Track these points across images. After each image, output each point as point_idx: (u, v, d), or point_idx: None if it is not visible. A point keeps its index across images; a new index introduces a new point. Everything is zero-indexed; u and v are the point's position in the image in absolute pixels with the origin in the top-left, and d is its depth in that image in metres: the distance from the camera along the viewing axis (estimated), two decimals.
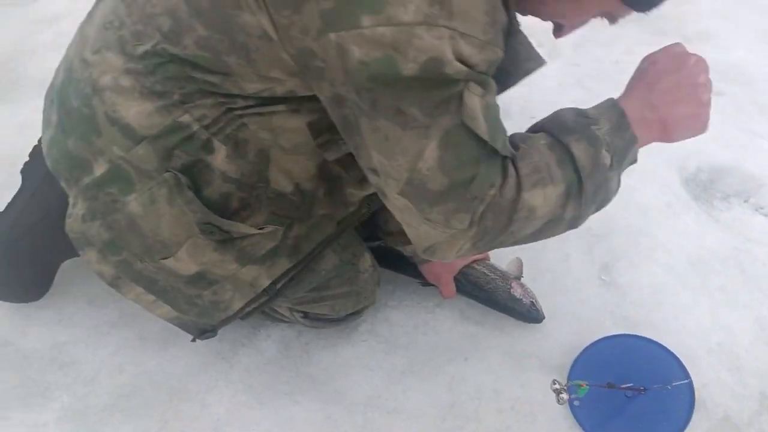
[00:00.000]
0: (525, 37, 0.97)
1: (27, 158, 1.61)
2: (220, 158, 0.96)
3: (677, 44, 0.98)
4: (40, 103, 1.77)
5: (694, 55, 0.96)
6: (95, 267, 1.06)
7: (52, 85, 1.10)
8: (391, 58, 0.78)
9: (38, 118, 1.73)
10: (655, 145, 1.69)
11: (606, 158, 0.91)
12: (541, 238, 0.96)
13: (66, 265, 1.34)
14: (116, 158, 0.96)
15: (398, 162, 0.84)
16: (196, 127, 0.93)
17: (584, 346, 1.26)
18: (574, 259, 1.46)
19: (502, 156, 0.86)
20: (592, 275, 1.43)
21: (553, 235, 0.96)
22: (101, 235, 1.02)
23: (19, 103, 1.80)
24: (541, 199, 0.88)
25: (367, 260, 1.19)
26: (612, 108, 0.94)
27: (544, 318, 1.31)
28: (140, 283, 1.06)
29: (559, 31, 0.99)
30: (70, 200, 1.06)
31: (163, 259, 1.01)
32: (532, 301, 1.30)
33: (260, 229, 1.01)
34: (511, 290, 1.30)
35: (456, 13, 0.78)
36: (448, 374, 1.23)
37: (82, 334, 1.29)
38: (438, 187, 0.84)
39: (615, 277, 1.43)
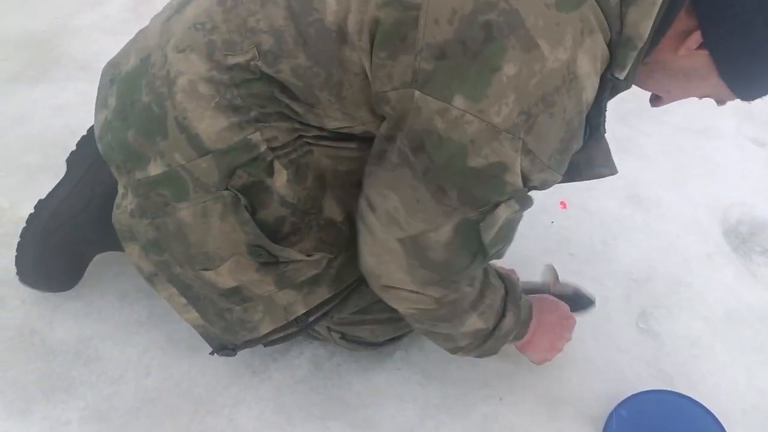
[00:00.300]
0: (606, 145, 1.00)
1: (63, 140, 1.59)
2: (280, 182, 0.94)
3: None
4: (80, 86, 1.77)
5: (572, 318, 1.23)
6: (135, 261, 1.05)
7: (115, 64, 1.05)
8: (465, 147, 0.80)
9: (78, 100, 1.72)
10: (700, 192, 1.70)
11: (510, 336, 1.11)
12: (427, 335, 1.12)
13: (98, 257, 1.31)
14: (176, 164, 0.93)
15: (416, 223, 0.88)
16: (263, 147, 0.91)
17: (619, 395, 1.23)
18: (612, 304, 1.43)
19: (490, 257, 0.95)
20: (630, 321, 1.41)
21: (432, 340, 1.12)
22: (147, 233, 1.00)
23: (59, 83, 1.77)
24: (471, 322, 1.04)
25: None
26: (529, 313, 1.14)
27: (594, 301, 1.31)
28: (175, 285, 1.04)
29: (657, 100, 0.99)
30: (120, 189, 1.03)
31: (204, 270, 0.99)
32: (575, 288, 1.30)
33: (308, 255, 0.99)
34: (551, 291, 1.29)
35: (535, 131, 0.80)
36: (481, 413, 1.20)
37: (109, 330, 1.26)
38: (436, 258, 0.91)
39: (652, 325, 1.40)
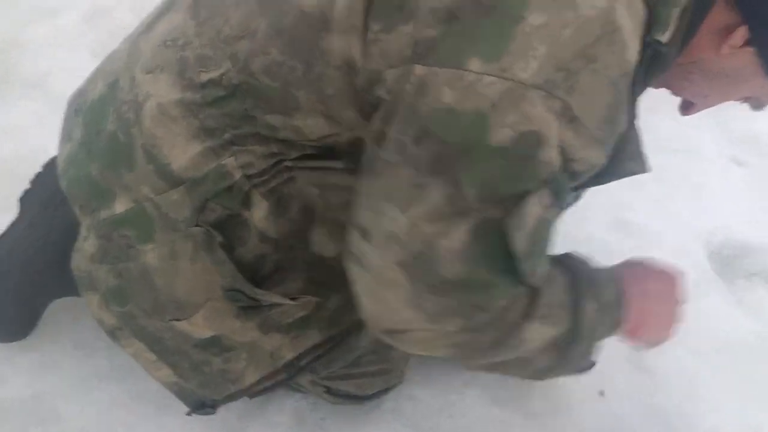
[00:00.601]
0: (637, 134, 0.84)
1: (12, 168, 1.47)
2: (259, 215, 0.84)
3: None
4: (31, 106, 1.63)
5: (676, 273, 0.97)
6: (95, 312, 0.94)
7: (81, 92, 0.96)
8: (483, 118, 0.66)
9: (29, 122, 1.58)
10: (684, 215, 1.66)
11: (601, 332, 0.87)
12: (495, 371, 0.90)
13: (54, 303, 1.19)
14: (143, 198, 0.84)
15: (422, 228, 0.71)
16: (238, 175, 0.81)
17: None
18: None
19: (525, 279, 0.75)
20: (621, 356, 1.34)
21: (505, 374, 0.92)
22: (108, 280, 0.90)
23: (6, 103, 1.62)
24: (537, 334, 0.80)
25: None
26: (614, 289, 0.88)
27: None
28: (142, 339, 0.93)
29: (688, 108, 0.90)
30: (82, 231, 0.93)
31: (175, 320, 0.89)
32: None
33: (293, 299, 0.89)
34: None
35: (578, 92, 0.67)
36: None
37: (67, 385, 1.14)
38: (450, 275, 0.72)
39: (646, 360, 1.35)
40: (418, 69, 0.68)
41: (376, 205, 0.74)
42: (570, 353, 0.85)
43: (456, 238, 0.71)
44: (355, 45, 0.72)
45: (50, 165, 1.15)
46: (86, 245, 0.92)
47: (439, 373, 1.22)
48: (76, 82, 1.69)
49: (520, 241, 0.71)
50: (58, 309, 1.20)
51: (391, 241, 0.72)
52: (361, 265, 0.77)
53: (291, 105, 0.77)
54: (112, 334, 0.96)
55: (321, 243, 0.89)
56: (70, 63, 1.72)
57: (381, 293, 0.76)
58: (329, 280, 0.90)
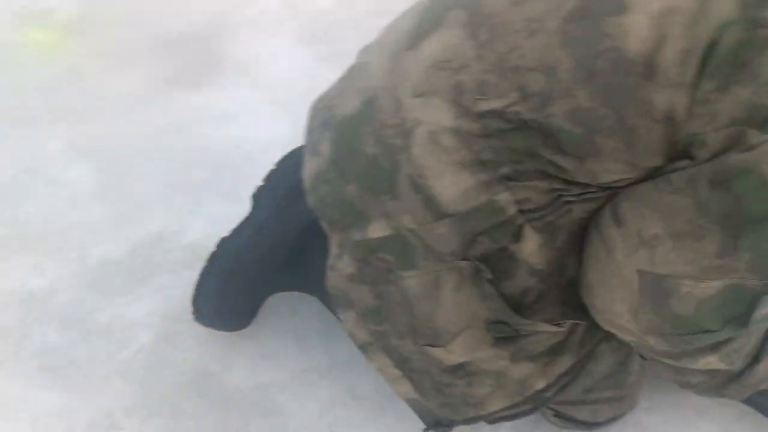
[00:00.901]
0: None
1: (228, 155, 1.52)
2: (530, 248, 0.79)
3: None
4: (242, 93, 1.67)
5: None
6: (349, 328, 0.93)
7: (328, 105, 0.91)
8: None
9: (240, 109, 1.62)
10: None
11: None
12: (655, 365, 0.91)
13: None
14: (404, 229, 0.80)
15: (678, 265, 0.70)
16: (512, 210, 0.76)
17: None
18: None
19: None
20: None
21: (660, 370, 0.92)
22: (367, 300, 0.88)
23: (218, 89, 1.68)
24: (706, 362, 0.82)
25: (635, 360, 1.00)
26: None
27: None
28: (391, 356, 0.92)
29: None
30: (333, 248, 0.92)
31: (429, 346, 0.86)
32: None
33: (556, 324, 0.84)
34: None
35: None
36: None
37: (287, 379, 1.17)
38: (679, 311, 0.73)
39: None
40: (752, 134, 0.63)
41: (641, 208, 0.72)
42: (721, 389, 0.88)
43: (704, 289, 0.71)
44: (680, 101, 0.66)
45: (283, 162, 1.15)
46: (341, 265, 0.90)
47: (670, 399, 1.14)
48: (283, 68, 1.72)
49: (761, 311, 0.71)
50: (276, 299, 1.22)
51: (644, 249, 0.72)
52: (605, 244, 0.76)
53: (590, 150, 0.71)
54: (363, 348, 0.95)
55: (575, 264, 0.84)
56: (276, 49, 1.75)
57: (610, 280, 0.77)
58: (580, 300, 0.86)
